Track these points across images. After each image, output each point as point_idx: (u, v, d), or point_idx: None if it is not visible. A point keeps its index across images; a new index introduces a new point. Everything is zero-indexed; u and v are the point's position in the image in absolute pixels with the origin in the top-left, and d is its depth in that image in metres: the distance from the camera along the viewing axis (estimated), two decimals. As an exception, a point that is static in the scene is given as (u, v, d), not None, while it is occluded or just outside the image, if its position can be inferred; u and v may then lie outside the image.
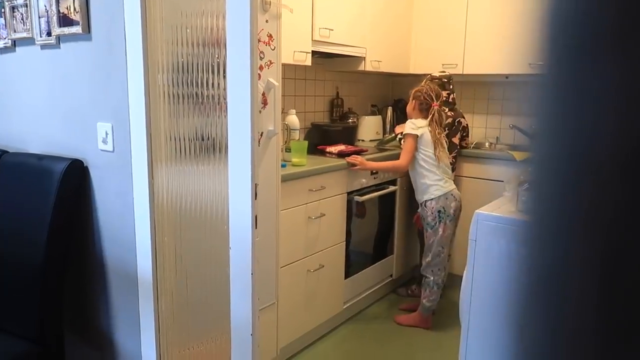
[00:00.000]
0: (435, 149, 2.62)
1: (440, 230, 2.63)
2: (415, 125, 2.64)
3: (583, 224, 0.25)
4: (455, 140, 2.98)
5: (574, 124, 0.25)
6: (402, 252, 3.21)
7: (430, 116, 2.63)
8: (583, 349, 0.26)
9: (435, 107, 2.64)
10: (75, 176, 1.78)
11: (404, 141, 2.74)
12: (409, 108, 2.74)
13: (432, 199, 2.63)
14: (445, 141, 2.73)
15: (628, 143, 0.23)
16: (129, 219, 1.71)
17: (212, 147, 1.55)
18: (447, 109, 2.91)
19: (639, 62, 0.22)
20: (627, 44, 0.22)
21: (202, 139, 1.56)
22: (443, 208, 2.62)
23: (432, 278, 2.68)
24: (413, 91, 2.71)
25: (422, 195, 2.68)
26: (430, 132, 2.62)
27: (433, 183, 2.62)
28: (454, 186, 2.69)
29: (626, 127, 0.23)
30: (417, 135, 2.61)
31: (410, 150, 2.64)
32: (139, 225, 1.68)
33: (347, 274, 2.75)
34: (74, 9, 1.70)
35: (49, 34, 1.81)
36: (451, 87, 2.97)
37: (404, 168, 2.71)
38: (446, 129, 2.89)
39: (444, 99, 2.93)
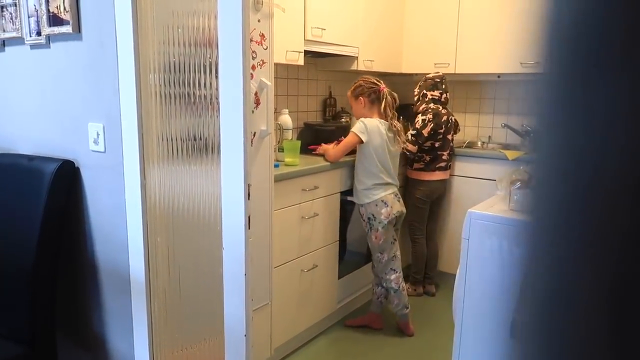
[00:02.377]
0: (385, 151, 2.47)
1: (373, 237, 2.55)
2: (366, 128, 2.43)
3: (591, 238, 0.24)
4: (450, 137, 3.01)
5: (582, 136, 0.23)
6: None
7: (383, 102, 2.46)
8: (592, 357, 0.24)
9: (385, 90, 2.48)
10: (67, 177, 1.76)
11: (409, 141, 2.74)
12: (356, 110, 2.55)
13: (362, 205, 2.55)
14: (404, 124, 2.70)
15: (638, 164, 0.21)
16: (121, 219, 1.70)
17: (204, 147, 1.55)
18: (440, 107, 2.95)
19: None
20: (636, 56, 0.21)
21: (195, 139, 1.56)
22: (372, 215, 2.52)
23: (384, 285, 2.61)
24: (350, 91, 2.54)
25: (356, 197, 2.58)
26: (386, 125, 2.46)
27: (365, 189, 2.51)
28: (389, 191, 2.52)
29: (636, 147, 0.21)
30: (362, 141, 2.42)
31: (346, 150, 2.48)
32: (131, 226, 1.67)
33: (341, 274, 2.75)
34: (64, 8, 1.68)
35: (38, 33, 1.79)
36: (444, 86, 3.00)
37: (331, 161, 2.51)
38: (443, 126, 2.91)
39: (437, 98, 2.96)
